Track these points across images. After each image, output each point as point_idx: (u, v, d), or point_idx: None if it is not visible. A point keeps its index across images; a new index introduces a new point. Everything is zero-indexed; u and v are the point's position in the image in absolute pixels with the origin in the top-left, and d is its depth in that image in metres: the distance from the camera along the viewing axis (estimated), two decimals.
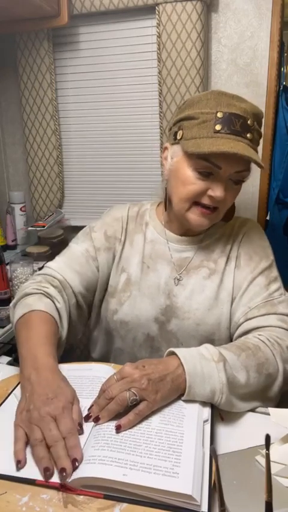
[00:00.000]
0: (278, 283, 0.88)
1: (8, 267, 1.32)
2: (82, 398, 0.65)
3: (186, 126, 0.81)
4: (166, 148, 0.89)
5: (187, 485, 0.50)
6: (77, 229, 1.02)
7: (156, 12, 1.50)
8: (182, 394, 0.66)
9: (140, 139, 1.72)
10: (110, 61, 1.67)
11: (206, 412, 0.65)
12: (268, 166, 1.61)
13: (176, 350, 0.69)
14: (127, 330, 0.92)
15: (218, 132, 0.77)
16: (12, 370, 0.82)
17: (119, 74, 1.67)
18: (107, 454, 0.54)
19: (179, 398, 0.66)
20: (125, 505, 0.51)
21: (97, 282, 0.94)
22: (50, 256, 1.58)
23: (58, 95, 1.76)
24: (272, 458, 0.55)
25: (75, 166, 1.85)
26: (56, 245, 1.70)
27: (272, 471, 0.52)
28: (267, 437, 0.43)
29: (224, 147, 0.74)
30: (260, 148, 1.56)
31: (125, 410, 0.61)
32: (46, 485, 0.53)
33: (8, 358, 0.99)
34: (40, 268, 1.38)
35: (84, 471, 0.53)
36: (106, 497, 0.51)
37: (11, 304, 0.85)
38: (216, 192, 0.80)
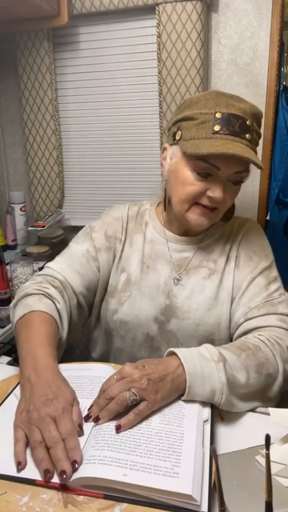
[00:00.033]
0: (278, 283, 0.88)
1: (8, 267, 1.32)
2: (82, 398, 0.65)
3: (185, 127, 0.81)
4: (165, 148, 0.89)
5: (187, 485, 0.50)
6: (77, 229, 1.02)
7: (156, 12, 1.50)
8: (182, 394, 0.66)
9: (140, 140, 1.72)
10: (110, 61, 1.67)
11: (206, 412, 0.65)
12: (268, 166, 1.61)
13: (176, 350, 0.69)
14: (127, 330, 0.92)
15: (216, 132, 0.76)
16: (12, 370, 0.82)
17: (119, 74, 1.67)
18: (107, 454, 0.54)
19: (179, 398, 0.66)
20: (125, 505, 0.51)
21: (98, 282, 0.93)
22: (50, 256, 1.58)
23: (58, 95, 1.76)
24: (272, 458, 0.55)
25: (75, 166, 1.85)
26: (56, 245, 1.70)
27: (272, 471, 0.52)
28: (267, 437, 0.43)
29: (222, 149, 0.74)
30: (260, 148, 1.57)
31: (125, 410, 0.61)
32: (46, 485, 0.53)
33: (8, 358, 0.99)
34: (40, 268, 1.37)
35: (84, 471, 0.53)
36: (106, 497, 0.51)
37: (11, 305, 0.85)
38: (215, 193, 0.80)
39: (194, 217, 0.84)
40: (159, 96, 1.58)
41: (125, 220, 0.97)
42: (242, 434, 0.65)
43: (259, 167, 0.76)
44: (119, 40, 1.64)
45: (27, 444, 0.58)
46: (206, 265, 0.91)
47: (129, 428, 0.59)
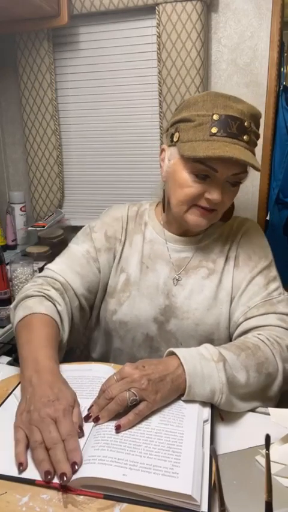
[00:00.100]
0: (277, 283, 0.88)
1: (8, 267, 1.32)
2: (82, 399, 0.65)
3: (182, 129, 0.81)
4: (163, 150, 0.88)
5: (187, 485, 0.50)
6: (77, 229, 1.02)
7: (156, 12, 1.50)
8: (182, 394, 0.66)
9: (140, 140, 1.72)
10: (110, 61, 1.67)
11: (206, 412, 0.65)
12: (268, 167, 1.61)
13: (176, 350, 0.69)
14: (126, 330, 0.92)
15: (214, 135, 0.76)
16: (12, 370, 0.82)
17: (119, 74, 1.67)
18: (107, 454, 0.54)
19: (178, 398, 0.66)
20: (125, 505, 0.51)
21: (99, 283, 0.93)
22: (50, 256, 1.58)
23: (58, 95, 1.76)
24: (272, 458, 0.55)
25: (75, 166, 1.85)
26: (56, 245, 1.70)
27: (272, 471, 0.52)
28: (267, 437, 0.43)
29: (219, 152, 0.74)
30: (260, 148, 1.58)
31: (124, 410, 0.61)
32: (46, 485, 0.53)
33: (8, 358, 0.99)
34: (40, 269, 1.38)
35: (84, 471, 0.53)
36: (106, 497, 0.51)
37: (11, 306, 0.85)
38: (213, 195, 0.80)
39: (193, 218, 0.84)
40: (159, 96, 1.58)
41: (125, 220, 0.97)
42: (242, 434, 0.65)
43: (257, 169, 0.76)
44: (119, 40, 1.64)
45: (27, 445, 0.58)
46: (205, 265, 0.91)
47: (129, 428, 0.59)
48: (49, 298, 0.83)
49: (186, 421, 0.62)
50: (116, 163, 1.78)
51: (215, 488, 0.44)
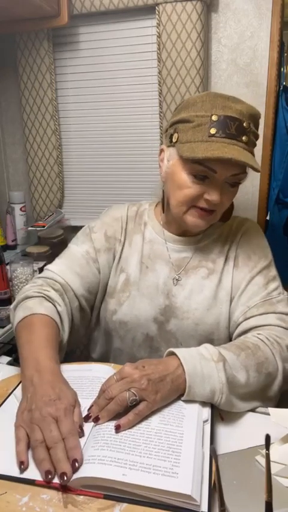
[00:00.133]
0: (277, 282, 0.88)
1: (8, 267, 1.32)
2: (82, 399, 0.65)
3: (181, 129, 0.81)
4: (162, 150, 0.88)
5: (186, 485, 0.50)
6: (77, 229, 1.02)
7: (156, 12, 1.50)
8: (182, 394, 0.66)
9: (140, 140, 1.72)
10: (110, 61, 1.67)
11: (206, 412, 0.65)
12: (268, 167, 1.61)
13: (176, 350, 0.69)
14: (126, 330, 0.92)
15: (212, 135, 0.76)
16: (12, 370, 0.82)
17: (119, 74, 1.67)
18: (107, 454, 0.54)
19: (178, 398, 0.66)
20: (125, 505, 0.51)
21: (98, 283, 0.93)
22: (50, 256, 1.58)
23: (58, 95, 1.76)
24: (272, 458, 0.55)
25: (75, 166, 1.85)
26: (56, 245, 1.70)
27: (272, 471, 0.52)
28: (267, 437, 0.43)
29: (218, 153, 0.74)
30: (260, 148, 1.58)
31: (124, 410, 0.61)
32: (46, 485, 0.53)
33: (8, 358, 0.99)
34: (40, 269, 1.38)
35: (84, 471, 0.53)
36: (106, 497, 0.51)
37: (11, 307, 0.85)
38: (212, 196, 0.79)
39: (192, 219, 0.84)
40: (159, 96, 1.58)
41: (125, 220, 0.97)
42: (242, 434, 0.65)
43: (256, 170, 0.75)
44: (119, 40, 1.64)
45: (28, 444, 0.58)
46: (204, 265, 0.91)
47: (129, 428, 0.59)
48: (49, 299, 0.83)
49: (186, 421, 0.62)
50: (116, 163, 1.78)
51: (215, 488, 0.44)
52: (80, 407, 0.63)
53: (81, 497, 0.52)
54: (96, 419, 0.61)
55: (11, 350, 1.08)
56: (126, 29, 1.62)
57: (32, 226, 1.73)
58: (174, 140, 0.83)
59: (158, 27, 1.51)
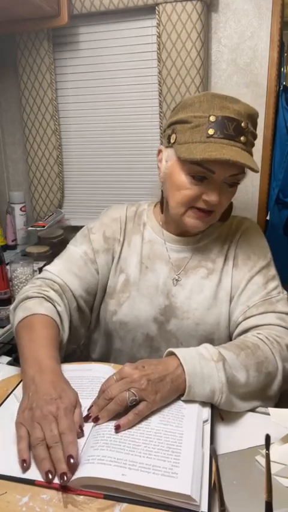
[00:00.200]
0: (276, 282, 0.88)
1: (8, 267, 1.32)
2: (82, 399, 0.65)
3: (179, 130, 0.81)
4: (160, 151, 0.88)
5: (186, 486, 0.50)
6: (77, 229, 1.02)
7: (156, 12, 1.50)
8: (182, 394, 0.66)
9: (140, 140, 1.72)
10: (109, 61, 1.67)
11: (206, 412, 0.65)
12: (268, 167, 1.61)
13: (176, 350, 0.69)
14: (126, 331, 0.92)
15: (211, 136, 0.76)
16: (12, 370, 0.82)
17: (118, 74, 1.68)
18: (106, 454, 0.54)
19: (178, 398, 0.66)
20: (125, 505, 0.51)
21: (97, 284, 0.93)
22: (50, 256, 1.58)
23: (58, 95, 1.76)
24: (272, 458, 0.55)
25: (75, 166, 1.86)
26: (56, 245, 1.70)
27: (272, 471, 0.52)
28: (267, 437, 0.43)
29: (216, 154, 0.73)
30: (260, 148, 1.58)
31: (124, 410, 0.61)
32: (46, 485, 0.53)
33: (8, 358, 0.99)
34: (40, 269, 1.37)
35: (83, 471, 0.53)
36: (106, 497, 0.51)
37: (11, 308, 0.85)
38: (211, 196, 0.79)
39: (190, 220, 0.84)
40: (159, 96, 1.58)
41: (124, 221, 0.97)
42: (242, 434, 0.65)
43: (254, 171, 0.75)
44: (119, 40, 1.64)
45: (29, 442, 0.58)
46: (204, 265, 0.91)
47: (129, 428, 0.59)
48: (49, 299, 0.83)
49: (185, 421, 0.62)
50: (116, 163, 1.78)
51: (215, 488, 0.44)
52: (81, 407, 0.63)
53: (81, 497, 0.52)
54: (96, 420, 0.61)
55: (11, 350, 1.09)
56: (126, 29, 1.62)
57: (32, 226, 1.73)
58: (172, 141, 0.82)
59: (158, 27, 1.51)
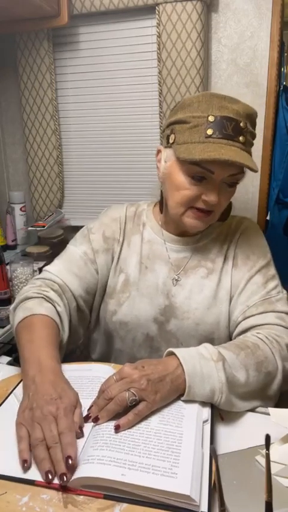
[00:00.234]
0: (276, 281, 0.88)
1: (8, 267, 1.32)
2: (82, 399, 0.65)
3: (178, 130, 0.80)
4: (159, 151, 0.88)
5: (185, 486, 0.50)
6: (77, 229, 1.02)
7: (156, 12, 1.50)
8: (182, 394, 0.66)
9: (140, 140, 1.72)
10: (109, 61, 1.67)
11: (206, 412, 0.65)
12: (268, 167, 1.61)
13: (175, 350, 0.69)
14: (126, 331, 0.92)
15: (209, 136, 0.76)
16: (12, 370, 0.82)
17: (118, 74, 1.67)
18: (106, 454, 0.54)
19: (178, 398, 0.66)
20: (125, 505, 0.51)
21: (97, 284, 0.93)
22: (50, 256, 1.58)
23: (58, 95, 1.76)
24: (272, 458, 0.55)
25: (75, 166, 1.85)
26: (56, 245, 1.70)
27: (272, 471, 0.52)
28: (267, 437, 0.43)
29: (215, 154, 0.73)
30: (260, 148, 1.58)
31: (124, 410, 0.61)
32: (46, 485, 0.53)
33: (8, 358, 0.99)
34: (40, 269, 1.38)
35: (83, 471, 0.53)
36: (106, 497, 0.51)
37: (11, 308, 0.86)
38: (210, 196, 0.79)
39: (190, 221, 0.84)
40: (159, 96, 1.58)
41: (123, 221, 0.97)
42: (242, 434, 0.65)
43: (253, 170, 0.75)
44: (119, 40, 1.64)
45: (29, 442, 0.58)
46: (204, 264, 0.91)
47: (128, 428, 0.59)
48: (48, 299, 0.83)
49: (185, 421, 0.62)
50: (116, 163, 1.78)
51: (215, 488, 0.44)
52: (81, 408, 0.63)
53: (81, 497, 0.52)
54: (96, 420, 0.61)
55: (11, 350, 1.09)
56: (126, 29, 1.62)
57: (32, 226, 1.73)
58: (171, 141, 0.82)
59: (158, 27, 1.51)
